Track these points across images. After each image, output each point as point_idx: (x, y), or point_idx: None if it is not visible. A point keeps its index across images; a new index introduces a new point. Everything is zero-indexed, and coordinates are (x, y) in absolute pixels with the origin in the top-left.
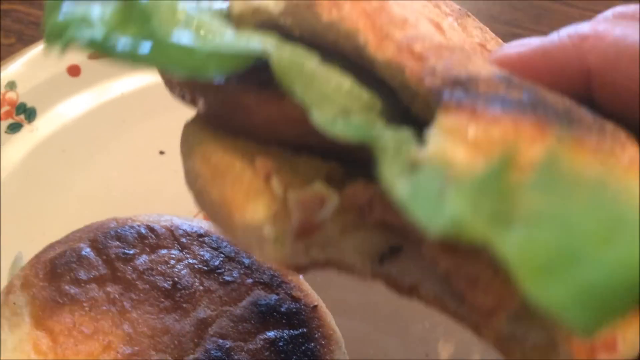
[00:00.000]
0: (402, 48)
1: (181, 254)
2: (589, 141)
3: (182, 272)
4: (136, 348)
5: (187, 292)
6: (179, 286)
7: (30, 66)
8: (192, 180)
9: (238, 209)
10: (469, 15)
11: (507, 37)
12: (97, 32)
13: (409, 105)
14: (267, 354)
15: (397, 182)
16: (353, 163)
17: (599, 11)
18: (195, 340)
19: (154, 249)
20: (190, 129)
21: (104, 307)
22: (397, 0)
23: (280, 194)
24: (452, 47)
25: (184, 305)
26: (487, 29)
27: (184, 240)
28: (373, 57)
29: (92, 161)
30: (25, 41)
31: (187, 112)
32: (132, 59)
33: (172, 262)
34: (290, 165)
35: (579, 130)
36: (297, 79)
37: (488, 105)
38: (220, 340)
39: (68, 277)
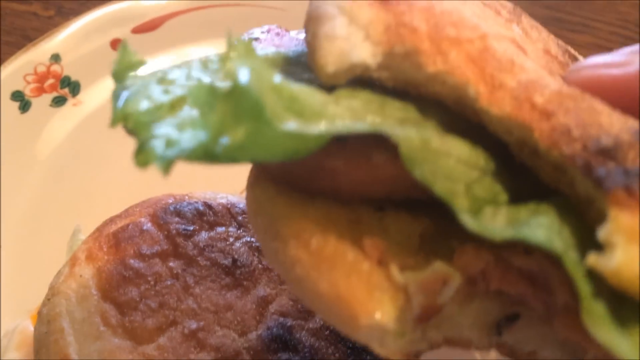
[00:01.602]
0: (521, 100)
1: (239, 231)
2: None
3: (241, 249)
4: (201, 323)
5: (246, 269)
6: (238, 263)
7: (74, 39)
8: (286, 266)
9: (363, 309)
10: (522, 13)
11: (547, 21)
12: (201, 138)
13: (527, 161)
14: (327, 332)
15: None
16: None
17: None
18: (257, 317)
19: (212, 226)
20: (260, 193)
21: (168, 282)
22: (488, 28)
23: (401, 281)
24: (573, 94)
25: (245, 282)
26: (539, 25)
27: (240, 218)
28: (486, 111)
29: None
30: (64, 13)
31: None
32: (241, 159)
33: (231, 239)
34: (381, 228)
35: None
36: (424, 161)
37: None
38: (281, 319)
39: (132, 251)
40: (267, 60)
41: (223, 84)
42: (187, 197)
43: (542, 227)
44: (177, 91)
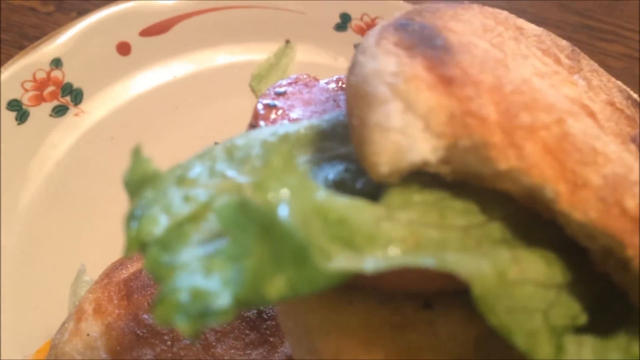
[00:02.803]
0: (609, 204)
1: None
2: None
3: None
4: None
5: (272, 323)
6: (264, 316)
7: (76, 42)
8: None
9: None
10: (579, 53)
11: (578, 29)
12: (234, 290)
13: (612, 274)
14: None
15: None
16: None
17: None
18: None
19: None
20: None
21: (187, 341)
22: (561, 104)
23: None
24: None
25: (271, 338)
26: (597, 66)
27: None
28: (567, 214)
29: (143, 151)
30: (65, 9)
31: (247, 100)
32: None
33: None
34: (430, 332)
35: None
36: (499, 298)
37: None
38: None
39: (146, 304)
40: (300, 138)
41: (254, 201)
42: None
43: None
44: (200, 196)
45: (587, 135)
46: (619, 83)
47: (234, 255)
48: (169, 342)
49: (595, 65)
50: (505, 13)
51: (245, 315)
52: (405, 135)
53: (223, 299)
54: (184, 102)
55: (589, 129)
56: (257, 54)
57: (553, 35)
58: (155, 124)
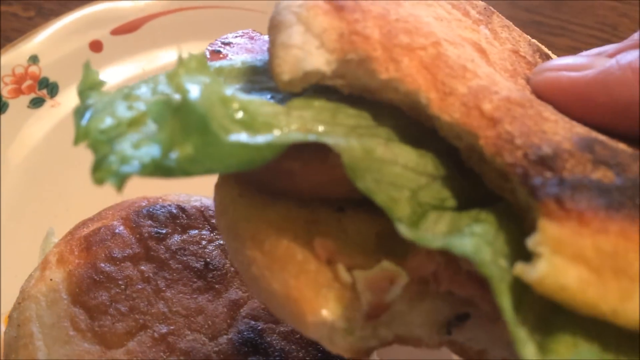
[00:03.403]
0: (470, 107)
1: (212, 234)
2: None
3: (214, 253)
4: (171, 327)
5: (218, 273)
6: (210, 267)
7: (52, 41)
8: (244, 265)
9: (309, 306)
10: (493, 12)
11: (527, 24)
12: (152, 154)
13: (474, 167)
14: (297, 336)
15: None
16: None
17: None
18: (228, 321)
19: (185, 229)
20: (225, 194)
21: (139, 286)
22: (444, 34)
23: (349, 280)
24: (521, 101)
25: (216, 286)
26: (512, 24)
27: (214, 221)
28: (436, 117)
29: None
30: (45, 14)
31: None
32: (195, 172)
33: (204, 242)
34: (339, 228)
35: None
36: (367, 170)
37: (590, 202)
38: (253, 322)
39: (103, 255)
40: (233, 71)
41: (177, 98)
42: (160, 200)
43: (475, 236)
44: (141, 107)
45: (461, 58)
46: (533, 41)
47: (156, 134)
48: (122, 286)
49: (509, 23)
50: None
51: (193, 265)
52: (303, 50)
53: (142, 160)
54: None
55: (464, 54)
56: None
57: None
58: None
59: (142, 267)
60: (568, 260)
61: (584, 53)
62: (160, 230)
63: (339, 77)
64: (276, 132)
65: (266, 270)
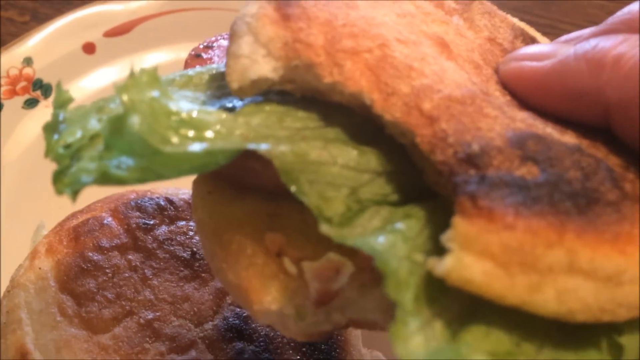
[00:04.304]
0: (411, 106)
1: None
2: (607, 231)
3: (200, 243)
4: (157, 313)
5: (205, 262)
6: (197, 256)
7: (46, 43)
8: (209, 257)
9: (255, 296)
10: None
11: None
12: (102, 169)
13: (417, 164)
14: None
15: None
16: None
17: None
18: (214, 308)
19: (172, 220)
20: (197, 191)
21: (126, 274)
22: (397, 33)
23: (294, 271)
24: (463, 98)
25: (203, 274)
26: (496, 9)
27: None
28: (379, 116)
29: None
30: (40, 19)
31: None
32: (147, 179)
33: (191, 233)
34: (301, 220)
35: (598, 218)
36: (301, 173)
37: (504, 199)
38: (238, 309)
39: (91, 244)
40: (203, 78)
41: (117, 112)
42: (149, 193)
43: (393, 233)
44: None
45: (409, 57)
46: (519, 24)
47: (105, 145)
48: (110, 274)
49: (492, 8)
50: None
51: (180, 255)
52: (250, 59)
53: (95, 172)
54: None
55: (415, 53)
56: None
57: None
58: None
59: (130, 257)
60: (474, 255)
61: (562, 38)
62: (148, 222)
63: (289, 82)
64: (215, 141)
65: (223, 263)
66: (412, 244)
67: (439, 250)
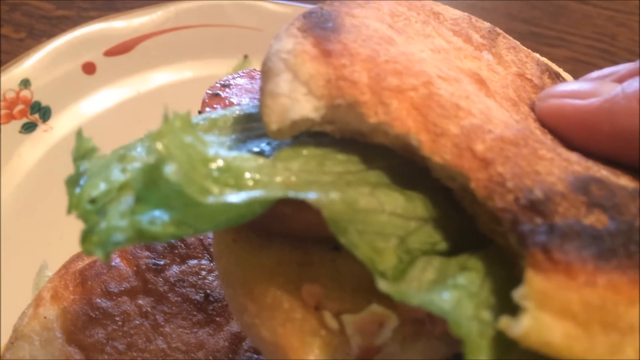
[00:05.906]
0: (462, 148)
1: (211, 264)
2: None
3: (214, 283)
4: None
5: (219, 304)
6: (211, 298)
7: (44, 63)
8: (238, 312)
9: (295, 355)
10: (498, 34)
11: (525, 36)
12: (136, 226)
13: (468, 209)
14: None
15: None
16: None
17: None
18: (230, 355)
19: (184, 259)
20: (220, 239)
21: (137, 321)
22: (438, 70)
23: (335, 326)
24: (515, 140)
25: (217, 318)
26: (519, 44)
27: (213, 249)
28: (428, 159)
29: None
30: (36, 36)
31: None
32: (183, 234)
33: (203, 272)
34: (333, 268)
35: None
36: (350, 222)
37: (580, 251)
38: (255, 356)
39: (99, 290)
40: (228, 120)
41: (149, 162)
42: None
43: (457, 289)
44: (136, 167)
45: (454, 95)
46: (542, 59)
47: (137, 205)
48: (120, 323)
49: (516, 44)
50: (425, 1)
51: (193, 298)
52: (291, 99)
53: (127, 231)
54: (148, 116)
55: (459, 91)
56: (217, 69)
57: (475, 19)
58: (119, 138)
59: (140, 302)
60: (554, 315)
61: (593, 75)
62: (158, 262)
63: (329, 122)
64: (257, 190)
65: (256, 318)
66: (477, 300)
67: (505, 306)
